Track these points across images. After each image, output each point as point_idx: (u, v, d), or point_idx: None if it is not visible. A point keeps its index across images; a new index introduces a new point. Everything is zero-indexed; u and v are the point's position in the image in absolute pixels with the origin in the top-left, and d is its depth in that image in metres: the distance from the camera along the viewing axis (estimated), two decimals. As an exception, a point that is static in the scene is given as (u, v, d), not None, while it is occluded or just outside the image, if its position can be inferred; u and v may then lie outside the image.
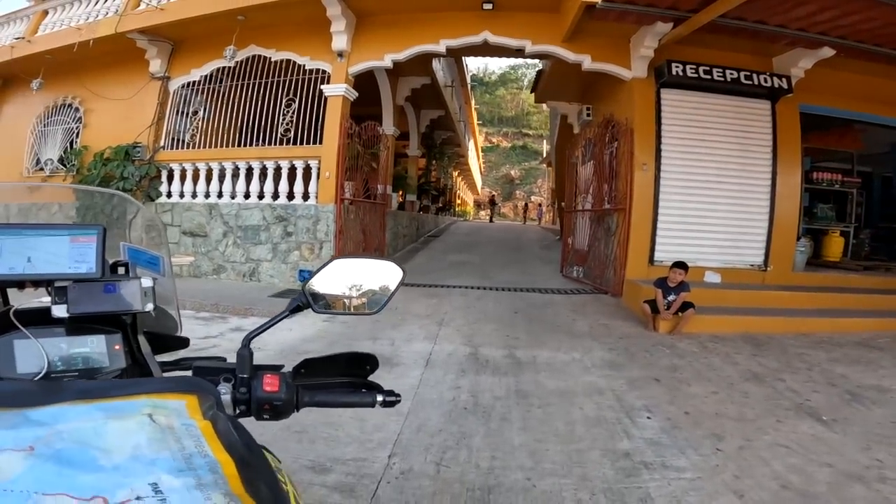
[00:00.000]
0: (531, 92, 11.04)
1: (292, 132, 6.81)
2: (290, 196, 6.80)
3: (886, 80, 6.24)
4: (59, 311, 0.73)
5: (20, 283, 0.75)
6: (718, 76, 5.96)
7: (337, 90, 6.59)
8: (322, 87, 6.66)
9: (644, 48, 5.92)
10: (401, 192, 12.74)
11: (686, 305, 4.83)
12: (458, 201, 28.64)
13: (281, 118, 6.92)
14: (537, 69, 10.40)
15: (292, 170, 6.81)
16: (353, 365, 0.81)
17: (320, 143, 6.62)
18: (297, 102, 6.81)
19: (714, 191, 6.17)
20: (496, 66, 54.96)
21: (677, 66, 5.92)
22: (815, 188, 7.75)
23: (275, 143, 6.98)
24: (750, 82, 6.00)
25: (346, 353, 0.80)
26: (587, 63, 6.29)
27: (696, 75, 5.94)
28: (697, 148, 6.18)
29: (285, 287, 6.37)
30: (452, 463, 2.32)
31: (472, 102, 23.92)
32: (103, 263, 0.77)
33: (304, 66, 6.80)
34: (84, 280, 0.75)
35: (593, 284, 6.92)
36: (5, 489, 0.33)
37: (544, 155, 29.45)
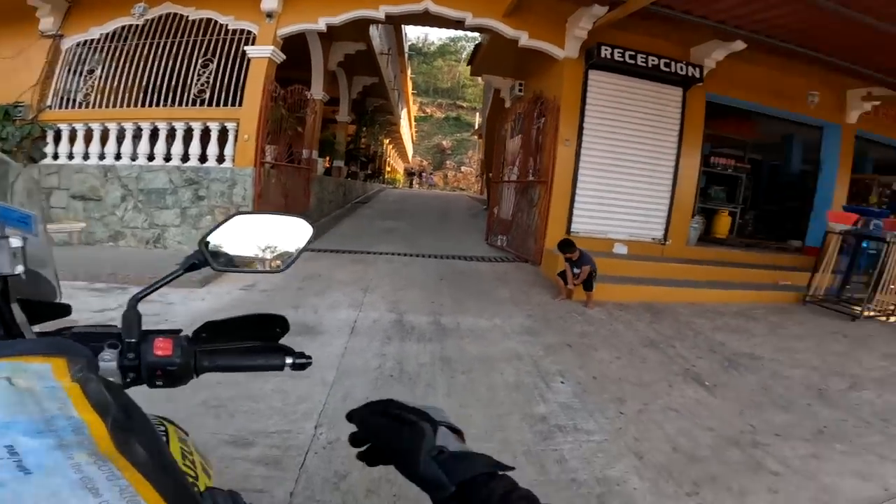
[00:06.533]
0: (468, 64, 10.95)
1: (208, 93, 6.23)
2: (203, 159, 6.26)
3: (784, 75, 6.90)
4: None
5: None
6: (641, 61, 6.30)
7: (263, 52, 6.13)
8: (245, 48, 6.15)
9: (578, 29, 6.08)
10: (328, 158, 12.22)
11: (588, 284, 5.06)
12: (388, 169, 28.11)
13: (196, 79, 6.28)
14: (476, 42, 10.31)
15: (206, 132, 6.28)
16: (261, 328, 0.75)
17: (240, 105, 6.15)
18: (214, 63, 6.22)
19: (627, 168, 6.61)
20: (436, 36, 53.93)
21: (606, 50, 6.17)
22: (710, 171, 8.59)
23: (187, 104, 6.34)
24: (668, 70, 6.40)
25: (252, 314, 0.73)
26: (524, 40, 6.35)
27: (622, 59, 6.23)
28: (616, 128, 6.55)
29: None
30: (377, 429, 2.35)
31: (409, 72, 23.21)
32: None
33: (226, 25, 6.21)
34: None
35: (516, 253, 7.21)
36: None
37: (476, 127, 29.60)
